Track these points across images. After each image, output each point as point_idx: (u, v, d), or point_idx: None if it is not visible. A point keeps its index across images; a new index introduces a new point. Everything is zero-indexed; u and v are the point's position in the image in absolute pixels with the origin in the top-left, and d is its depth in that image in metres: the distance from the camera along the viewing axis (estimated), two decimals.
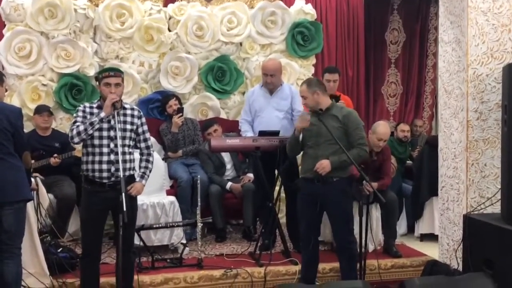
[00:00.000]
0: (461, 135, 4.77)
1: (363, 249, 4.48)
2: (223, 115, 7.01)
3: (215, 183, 6.07)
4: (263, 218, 5.42)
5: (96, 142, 3.99)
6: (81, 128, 3.91)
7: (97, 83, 4.09)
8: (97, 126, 3.92)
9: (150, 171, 4.25)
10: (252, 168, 5.87)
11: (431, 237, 6.05)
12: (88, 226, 4.07)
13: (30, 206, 4.30)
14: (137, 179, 4.16)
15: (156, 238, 5.35)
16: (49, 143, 5.86)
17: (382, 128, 5.29)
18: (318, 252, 4.64)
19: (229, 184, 6.08)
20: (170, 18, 6.86)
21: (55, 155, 5.67)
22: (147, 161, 4.24)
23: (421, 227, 6.25)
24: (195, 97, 6.95)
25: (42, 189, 5.17)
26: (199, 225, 5.08)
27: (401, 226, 6.30)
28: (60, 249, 4.90)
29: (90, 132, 3.92)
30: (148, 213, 5.34)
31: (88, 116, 4.00)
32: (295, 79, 7.11)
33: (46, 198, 5.21)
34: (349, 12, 7.68)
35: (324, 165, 4.29)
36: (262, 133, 5.26)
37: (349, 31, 7.69)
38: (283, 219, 5.75)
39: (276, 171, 5.37)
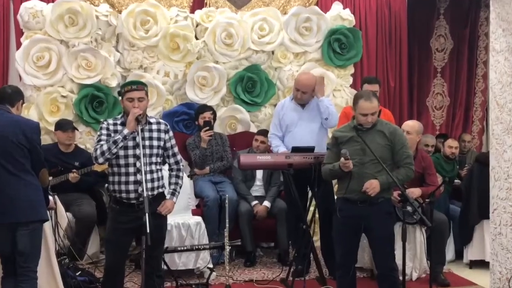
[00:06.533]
0: None
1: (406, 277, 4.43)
2: (253, 129, 7.02)
3: (241, 193, 6.10)
4: (296, 241, 5.39)
5: (122, 161, 4.06)
6: (105, 147, 3.97)
7: (120, 98, 4.17)
8: (121, 144, 3.98)
9: (180, 187, 4.33)
10: (284, 187, 5.86)
11: (481, 264, 5.93)
12: (113, 246, 4.15)
13: (47, 226, 4.36)
14: (167, 196, 4.23)
15: (181, 261, 5.37)
16: (69, 161, 5.96)
17: (409, 121, 5.69)
18: (356, 281, 4.59)
19: (255, 202, 6.09)
20: (197, 26, 6.93)
21: (74, 170, 5.76)
22: (177, 177, 4.31)
23: (471, 253, 6.13)
24: (223, 110, 6.99)
25: (61, 207, 5.22)
26: (227, 248, 5.08)
27: (449, 251, 6.20)
28: (79, 272, 4.97)
29: (115, 151, 3.98)
30: (172, 234, 5.36)
31: (112, 134, 4.06)
32: (331, 90, 7.10)
33: (64, 217, 5.26)
34: (390, 17, 7.66)
35: (374, 186, 4.24)
36: (295, 149, 5.25)
37: (391, 38, 7.66)
38: (317, 243, 5.72)
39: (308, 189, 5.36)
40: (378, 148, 4.30)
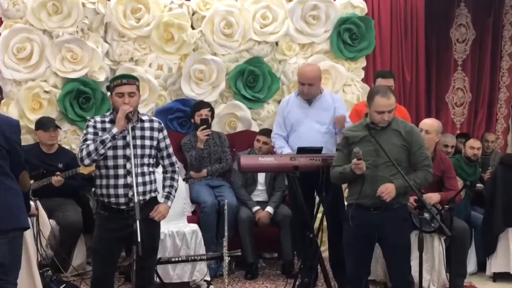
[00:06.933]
0: None
1: None
2: (254, 128, 7.02)
3: (241, 198, 6.12)
4: (302, 251, 5.40)
5: (110, 163, 4.05)
6: (92, 147, 3.97)
7: (109, 93, 4.17)
8: (109, 145, 3.98)
9: (176, 191, 4.33)
10: (289, 191, 5.87)
11: (506, 277, 5.95)
12: (101, 257, 4.14)
13: (29, 234, 4.36)
14: (161, 200, 4.23)
15: (175, 274, 5.38)
16: (52, 162, 5.95)
17: (427, 120, 5.73)
18: None
19: (257, 208, 6.10)
20: (193, 14, 6.94)
21: (57, 173, 5.76)
22: (172, 179, 4.32)
23: (494, 265, 6.14)
24: (222, 107, 7.00)
25: (43, 214, 5.23)
26: (226, 259, 5.09)
27: (470, 263, 6.21)
28: (63, 285, 5.01)
29: (102, 151, 3.97)
30: (166, 243, 5.37)
31: (100, 133, 4.06)
32: (341, 86, 7.11)
33: (47, 225, 5.26)
34: (406, 5, 7.65)
35: (389, 190, 4.25)
36: (301, 150, 5.24)
37: (407, 27, 7.66)
38: (325, 253, 5.73)
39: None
40: (393, 149, 4.30)
